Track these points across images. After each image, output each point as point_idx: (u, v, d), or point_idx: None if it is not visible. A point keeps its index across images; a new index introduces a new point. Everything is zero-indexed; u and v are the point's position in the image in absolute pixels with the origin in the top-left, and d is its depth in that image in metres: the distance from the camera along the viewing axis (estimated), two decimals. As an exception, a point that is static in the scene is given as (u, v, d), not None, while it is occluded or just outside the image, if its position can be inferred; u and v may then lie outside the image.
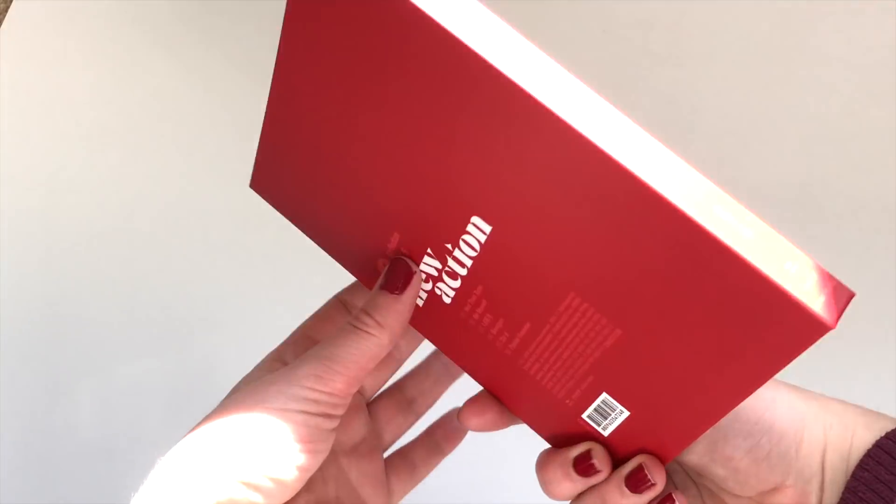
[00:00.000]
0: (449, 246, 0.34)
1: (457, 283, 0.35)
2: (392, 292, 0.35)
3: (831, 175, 0.68)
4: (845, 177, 0.67)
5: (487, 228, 0.32)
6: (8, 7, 0.66)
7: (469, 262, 0.34)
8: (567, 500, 0.36)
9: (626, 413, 0.33)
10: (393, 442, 0.42)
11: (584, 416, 0.35)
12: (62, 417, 0.54)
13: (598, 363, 0.32)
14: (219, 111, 0.66)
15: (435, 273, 0.35)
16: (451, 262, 0.34)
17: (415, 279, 0.35)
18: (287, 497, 0.32)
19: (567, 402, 0.35)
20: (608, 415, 0.34)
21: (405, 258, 0.35)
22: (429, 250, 0.35)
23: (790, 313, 0.27)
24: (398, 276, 0.35)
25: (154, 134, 0.64)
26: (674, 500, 0.34)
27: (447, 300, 0.36)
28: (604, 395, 0.33)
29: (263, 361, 0.38)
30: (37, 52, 0.67)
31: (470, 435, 0.41)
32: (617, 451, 0.35)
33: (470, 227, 0.33)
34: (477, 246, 0.33)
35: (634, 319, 0.30)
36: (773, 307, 0.27)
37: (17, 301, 0.57)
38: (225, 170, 0.61)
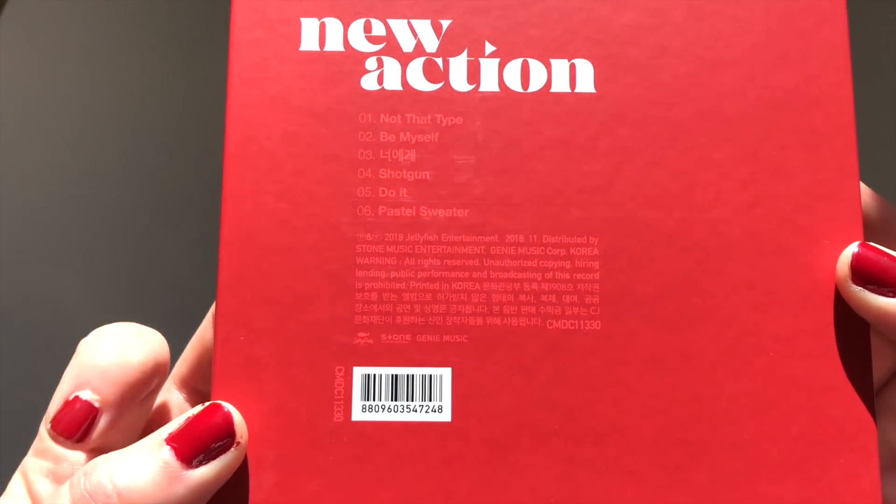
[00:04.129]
0: None
1: None
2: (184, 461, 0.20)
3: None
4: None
5: None
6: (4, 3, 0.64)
7: None
8: None
9: None
10: None
11: None
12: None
13: None
14: (218, 108, 0.59)
15: None
16: None
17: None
18: None
19: None
20: None
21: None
22: None
23: None
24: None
25: (152, 132, 0.62)
26: None
27: None
28: None
29: None
30: (33, 49, 0.63)
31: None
32: None
33: None
34: None
35: None
36: None
37: (17, 300, 0.58)
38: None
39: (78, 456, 0.21)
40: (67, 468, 0.22)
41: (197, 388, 0.25)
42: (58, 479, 0.22)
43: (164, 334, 0.23)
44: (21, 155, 0.61)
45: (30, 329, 0.57)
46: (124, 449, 0.21)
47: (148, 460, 0.20)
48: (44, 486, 0.21)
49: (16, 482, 0.22)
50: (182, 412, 0.24)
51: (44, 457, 0.22)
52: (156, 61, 0.63)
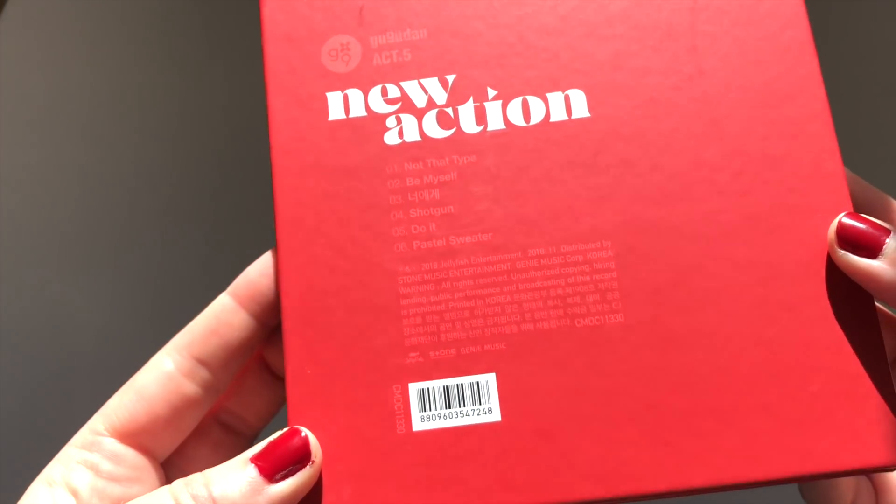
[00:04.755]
0: None
1: None
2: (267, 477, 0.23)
3: None
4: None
5: None
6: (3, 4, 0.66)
7: None
8: None
9: None
10: None
11: None
12: (63, 418, 0.48)
13: None
14: (218, 108, 0.62)
15: None
16: None
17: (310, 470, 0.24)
18: None
19: None
20: None
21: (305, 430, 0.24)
22: None
23: None
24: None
25: (154, 133, 0.62)
26: None
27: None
28: None
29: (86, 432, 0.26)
30: (33, 49, 0.64)
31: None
32: None
33: None
34: None
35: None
36: None
37: (16, 301, 0.57)
38: (225, 168, 0.61)
39: (130, 454, 0.25)
40: (119, 466, 0.25)
41: (232, 410, 0.28)
42: (104, 474, 0.25)
43: (166, 336, 0.27)
44: (21, 155, 0.61)
45: (32, 331, 0.56)
46: (216, 467, 0.24)
47: (237, 476, 0.23)
48: (84, 478, 0.24)
49: (53, 470, 0.25)
50: (221, 435, 0.28)
51: (93, 450, 0.25)
52: (157, 61, 0.63)
